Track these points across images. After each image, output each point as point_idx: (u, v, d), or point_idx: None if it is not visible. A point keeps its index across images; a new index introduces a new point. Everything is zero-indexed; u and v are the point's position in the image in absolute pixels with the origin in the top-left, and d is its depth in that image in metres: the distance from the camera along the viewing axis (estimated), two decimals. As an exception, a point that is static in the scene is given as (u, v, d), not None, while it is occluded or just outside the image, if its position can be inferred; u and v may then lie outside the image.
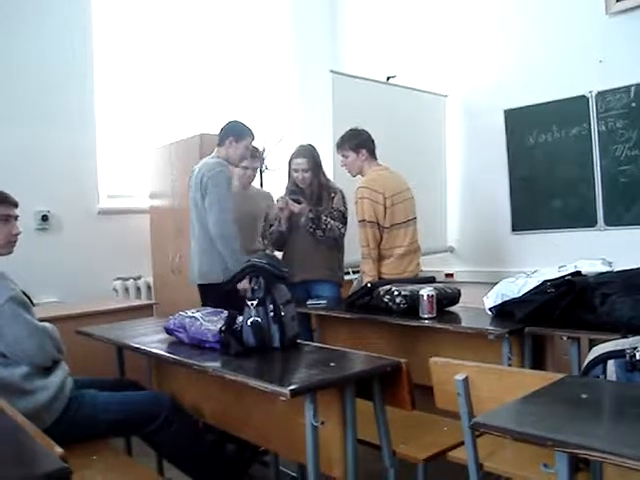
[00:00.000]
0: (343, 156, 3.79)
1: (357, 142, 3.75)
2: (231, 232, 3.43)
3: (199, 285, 3.62)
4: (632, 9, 4.28)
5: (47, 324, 2.45)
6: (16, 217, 2.51)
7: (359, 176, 3.79)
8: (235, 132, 3.63)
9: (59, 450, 1.35)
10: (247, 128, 3.68)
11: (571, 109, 4.62)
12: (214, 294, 3.41)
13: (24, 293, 2.40)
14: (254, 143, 3.81)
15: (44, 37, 4.36)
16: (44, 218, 4.35)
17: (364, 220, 3.63)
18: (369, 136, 3.79)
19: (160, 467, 2.89)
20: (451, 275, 5.35)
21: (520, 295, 2.68)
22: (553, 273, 2.73)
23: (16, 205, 2.51)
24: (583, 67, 4.51)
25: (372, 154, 3.79)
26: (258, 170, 4.26)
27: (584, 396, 1.58)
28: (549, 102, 4.73)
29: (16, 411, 1.66)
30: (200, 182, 3.50)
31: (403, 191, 3.76)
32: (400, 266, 3.67)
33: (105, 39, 4.79)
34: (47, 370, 2.37)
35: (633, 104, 4.30)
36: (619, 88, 4.35)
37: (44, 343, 2.35)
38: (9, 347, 2.26)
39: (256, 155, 4.02)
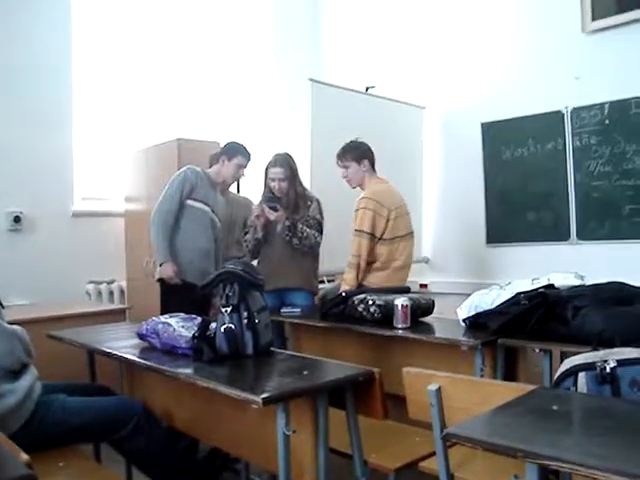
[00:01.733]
0: (344, 167, 3.80)
1: (359, 153, 3.78)
2: (160, 222, 3.66)
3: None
4: (607, 28, 4.36)
5: (16, 327, 2.41)
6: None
7: (358, 188, 3.83)
8: (228, 151, 3.85)
9: (24, 456, 1.32)
10: (241, 149, 3.85)
11: (547, 124, 4.69)
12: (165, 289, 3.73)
13: None
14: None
15: (20, 36, 4.32)
16: (16, 219, 4.30)
17: (362, 230, 3.63)
18: (370, 148, 3.83)
19: (129, 474, 2.85)
20: (425, 286, 5.38)
21: (494, 307, 2.69)
22: (526, 285, 2.75)
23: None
24: (559, 83, 4.58)
25: (372, 166, 3.82)
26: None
27: (555, 408, 1.59)
28: (525, 116, 4.80)
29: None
30: None
31: (403, 205, 3.80)
32: (394, 279, 3.68)
33: (84, 40, 4.76)
34: (15, 374, 2.33)
35: (607, 121, 4.38)
36: (594, 105, 4.43)
37: (13, 346, 2.31)
38: (-23, 350, 2.22)
39: None
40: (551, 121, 4.66)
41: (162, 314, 2.73)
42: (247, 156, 3.87)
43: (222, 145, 3.99)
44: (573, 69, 4.49)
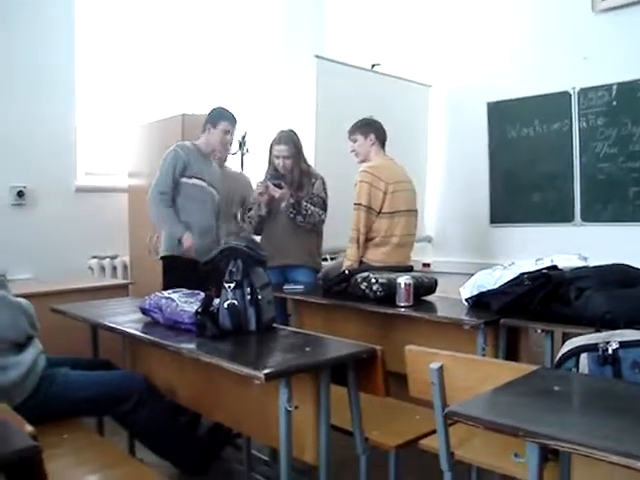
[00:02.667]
0: (353, 140, 3.83)
1: (367, 128, 3.80)
2: (158, 204, 3.63)
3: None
4: (617, 7, 4.31)
5: (22, 300, 2.42)
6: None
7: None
8: (211, 118, 3.75)
9: (29, 428, 1.33)
10: (225, 113, 3.75)
11: (553, 104, 4.65)
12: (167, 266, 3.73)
13: None
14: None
15: (23, 9, 4.27)
16: (20, 194, 4.28)
17: (360, 204, 3.64)
18: (381, 126, 3.84)
19: (132, 447, 2.88)
20: (428, 265, 5.38)
21: (497, 287, 2.69)
22: (530, 266, 2.75)
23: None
24: (567, 63, 4.54)
25: (381, 143, 3.82)
26: (230, 152, 4.25)
27: (556, 388, 1.60)
28: (532, 96, 4.76)
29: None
30: None
31: (405, 182, 3.79)
32: (394, 255, 3.68)
33: (88, 12, 4.70)
34: (20, 347, 2.35)
35: (614, 102, 4.35)
36: (602, 86, 4.39)
37: (18, 319, 2.33)
38: (-19, 322, 2.23)
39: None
40: (558, 101, 4.62)
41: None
42: (232, 120, 3.77)
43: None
44: (581, 49, 4.45)
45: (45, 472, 1.36)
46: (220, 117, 3.74)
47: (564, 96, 4.58)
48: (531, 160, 4.83)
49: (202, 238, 3.67)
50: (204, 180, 3.73)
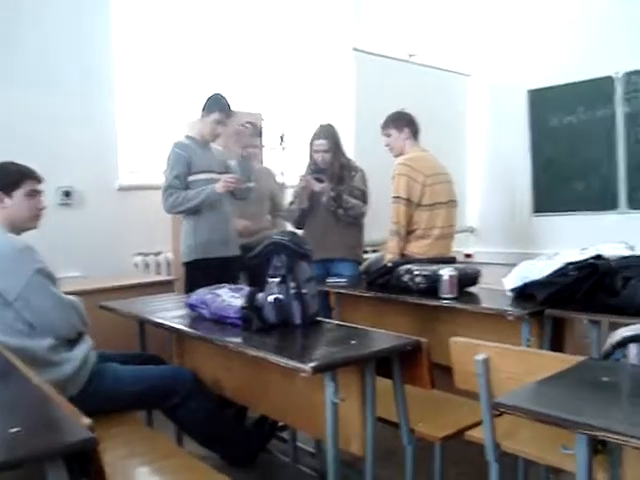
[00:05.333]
0: (386, 135, 3.82)
1: (400, 121, 3.80)
2: (176, 203, 3.57)
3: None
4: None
5: (73, 297, 2.49)
6: (41, 192, 2.54)
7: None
8: (207, 106, 3.68)
9: (86, 420, 1.37)
10: (221, 101, 3.67)
11: (596, 90, 4.58)
12: (189, 273, 3.69)
13: None
14: (251, 119, 3.96)
15: (64, 5, 4.34)
16: (67, 194, 4.38)
17: (399, 196, 3.64)
18: (412, 118, 3.83)
19: (179, 439, 2.94)
20: (470, 255, 5.35)
21: (541, 277, 2.67)
22: (574, 256, 2.71)
23: (41, 181, 2.53)
24: (610, 48, 4.44)
25: (414, 135, 3.81)
26: (262, 148, 4.28)
27: (605, 379, 1.58)
28: (574, 83, 4.69)
29: (43, 381, 1.69)
30: None
31: (442, 173, 3.78)
32: (436, 247, 3.68)
33: (128, 6, 4.75)
34: (72, 343, 2.42)
35: (660, 86, 4.25)
36: (646, 69, 4.30)
37: (70, 315, 2.39)
38: (36, 318, 2.30)
39: (254, 134, 4.08)
40: (600, 87, 4.55)
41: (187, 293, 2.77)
42: (227, 111, 3.67)
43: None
44: (625, 33, 4.35)
45: (102, 463, 1.41)
46: (214, 105, 3.64)
47: (607, 81, 4.50)
48: (573, 147, 4.76)
49: (220, 232, 3.67)
50: (212, 171, 3.66)
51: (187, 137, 3.72)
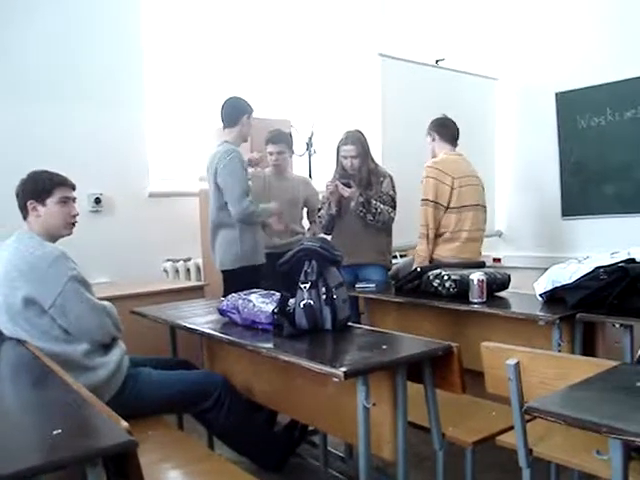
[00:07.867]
0: (429, 140, 3.89)
1: (429, 127, 3.86)
2: (252, 214, 3.60)
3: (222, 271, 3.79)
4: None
5: (106, 302, 2.54)
6: (74, 199, 2.58)
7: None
8: (246, 110, 3.77)
9: (124, 424, 1.40)
10: (245, 102, 3.81)
11: (625, 91, 4.53)
12: (232, 280, 3.60)
13: None
14: (279, 126, 4.09)
15: (94, 16, 4.40)
16: (97, 200, 4.45)
17: (427, 199, 3.67)
18: (444, 122, 3.86)
19: (210, 443, 2.97)
20: (499, 260, 5.32)
21: (572, 281, 2.65)
22: (605, 259, 2.69)
23: (74, 188, 2.58)
24: (637, 48, 4.40)
25: (450, 140, 3.83)
26: (293, 154, 4.32)
27: (639, 384, 1.57)
28: (602, 84, 4.64)
29: (81, 385, 1.72)
30: (215, 174, 3.63)
31: (471, 176, 3.79)
32: (465, 251, 3.69)
33: (157, 16, 4.82)
34: (106, 348, 2.46)
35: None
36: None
37: (104, 321, 2.44)
38: (71, 324, 2.35)
39: (280, 140, 4.12)
40: (630, 88, 4.49)
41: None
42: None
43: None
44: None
45: (140, 466, 1.44)
46: (246, 106, 3.78)
47: (636, 82, 4.44)
48: (603, 149, 4.71)
49: (261, 236, 3.82)
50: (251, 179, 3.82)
51: (228, 143, 3.70)
